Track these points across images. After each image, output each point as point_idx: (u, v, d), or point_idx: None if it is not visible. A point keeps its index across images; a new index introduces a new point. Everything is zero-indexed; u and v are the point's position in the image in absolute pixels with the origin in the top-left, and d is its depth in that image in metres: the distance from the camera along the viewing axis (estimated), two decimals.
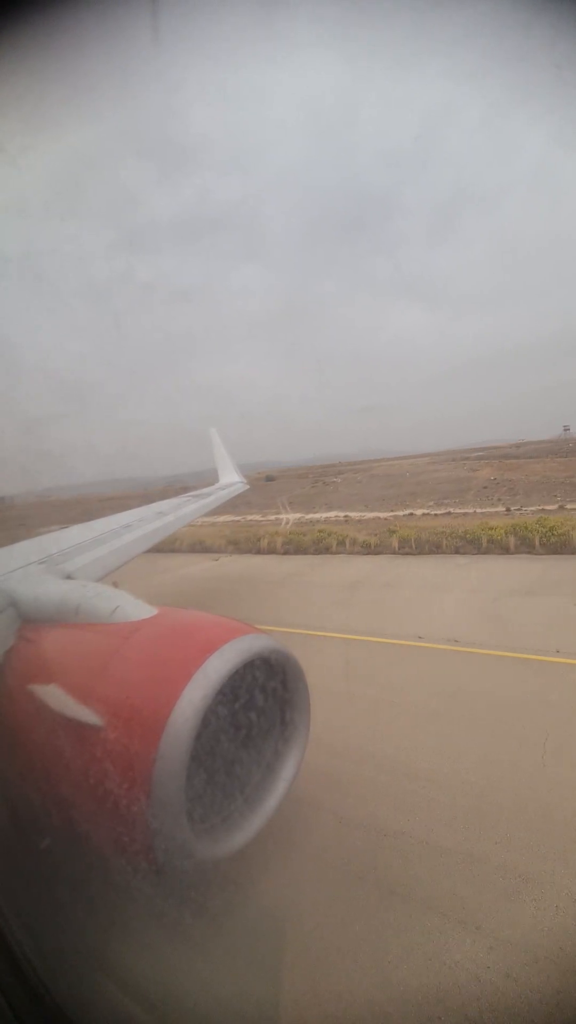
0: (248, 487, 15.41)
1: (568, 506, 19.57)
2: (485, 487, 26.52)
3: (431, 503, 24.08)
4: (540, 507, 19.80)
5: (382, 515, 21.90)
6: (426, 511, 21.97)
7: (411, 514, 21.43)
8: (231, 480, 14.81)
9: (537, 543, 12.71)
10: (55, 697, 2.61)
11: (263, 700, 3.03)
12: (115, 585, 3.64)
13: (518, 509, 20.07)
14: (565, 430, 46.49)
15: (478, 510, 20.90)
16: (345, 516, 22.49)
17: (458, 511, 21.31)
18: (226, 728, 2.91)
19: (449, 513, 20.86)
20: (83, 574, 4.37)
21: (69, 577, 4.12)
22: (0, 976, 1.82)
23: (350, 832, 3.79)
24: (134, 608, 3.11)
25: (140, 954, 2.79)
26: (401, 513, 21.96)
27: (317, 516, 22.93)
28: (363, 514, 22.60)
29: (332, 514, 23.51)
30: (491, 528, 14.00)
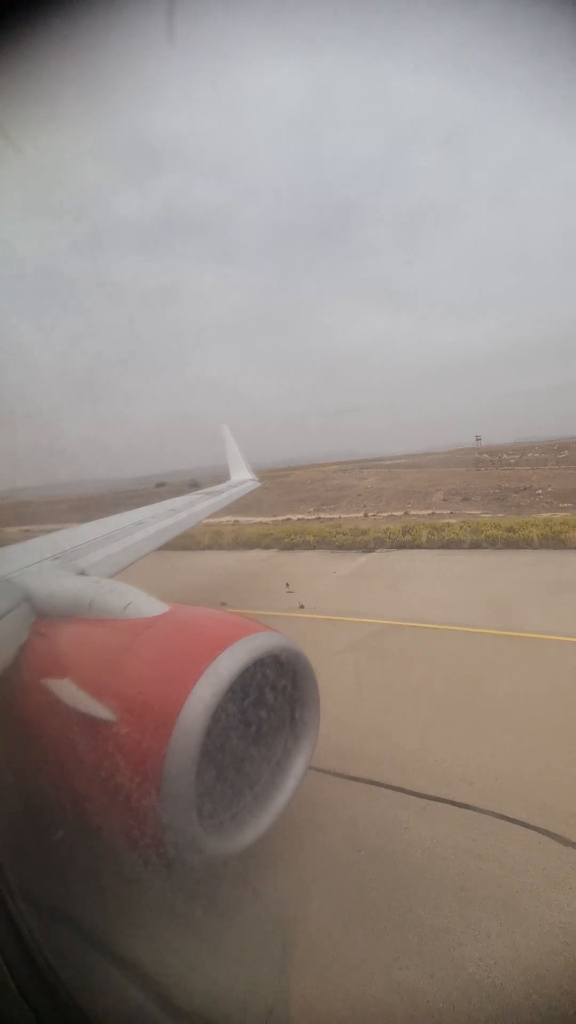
0: (260, 484, 15.39)
1: (412, 512, 21.81)
2: (360, 494, 28.50)
3: (311, 509, 25.35)
4: (390, 513, 22.08)
5: (265, 519, 23.12)
6: (302, 516, 23.23)
7: (288, 519, 22.62)
8: (243, 477, 14.79)
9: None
10: (68, 692, 2.64)
11: (273, 698, 3.04)
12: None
13: (374, 514, 22.14)
14: (477, 440, 47.24)
15: (343, 515, 22.66)
16: (235, 520, 23.59)
17: (327, 516, 22.87)
18: (236, 725, 2.92)
19: (320, 518, 22.28)
20: (96, 570, 4.42)
21: (82, 573, 4.17)
22: (13, 964, 1.85)
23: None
24: (146, 604, 3.13)
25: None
26: (280, 518, 23.28)
27: (210, 520, 24.09)
28: (251, 519, 23.76)
29: (226, 519, 24.79)
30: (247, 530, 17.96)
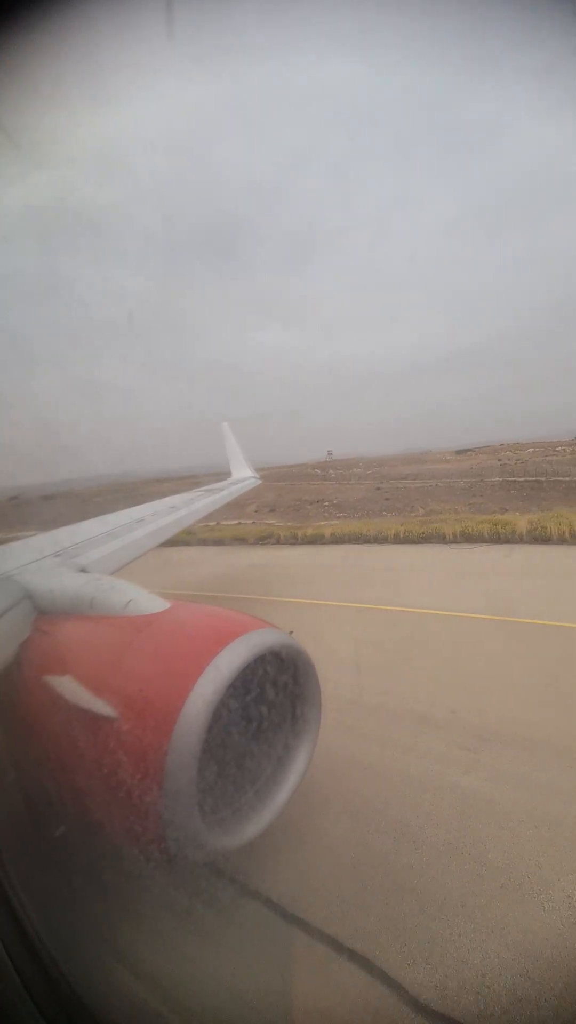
0: (260, 482, 15.42)
1: (223, 522, 24.15)
2: None
3: None
4: (205, 523, 24.68)
5: None
6: None
7: None
8: (243, 475, 14.81)
9: None
10: (70, 688, 2.65)
11: (274, 694, 3.05)
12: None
13: (192, 523, 23.53)
14: (328, 454, 48.93)
15: None
16: None
17: None
18: (237, 721, 2.93)
19: None
20: (96, 568, 4.42)
21: (83, 570, 4.17)
22: (16, 959, 1.86)
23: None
24: (147, 601, 3.13)
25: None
26: None
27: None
28: None
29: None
30: None
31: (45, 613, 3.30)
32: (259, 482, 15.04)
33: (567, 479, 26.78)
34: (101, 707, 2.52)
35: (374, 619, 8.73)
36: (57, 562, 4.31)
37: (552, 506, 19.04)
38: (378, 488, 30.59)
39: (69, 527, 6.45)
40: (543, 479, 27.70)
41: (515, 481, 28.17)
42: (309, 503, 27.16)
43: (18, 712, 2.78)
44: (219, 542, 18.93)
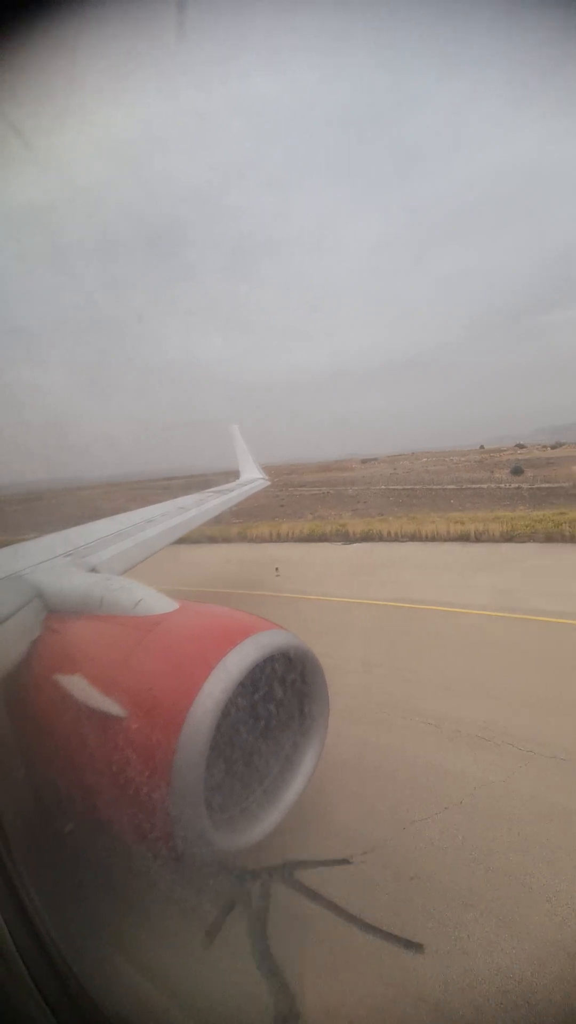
0: (269, 483, 15.44)
1: None
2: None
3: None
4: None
5: None
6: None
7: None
8: (252, 476, 14.84)
9: None
10: (79, 687, 2.67)
11: (282, 694, 3.05)
12: None
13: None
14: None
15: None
16: None
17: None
18: (245, 721, 2.94)
19: None
20: (107, 567, 4.45)
21: (93, 570, 4.20)
22: (25, 954, 1.87)
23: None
24: (156, 601, 3.16)
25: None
26: None
27: None
28: None
29: None
30: None
31: (56, 612, 3.33)
32: (268, 483, 15.06)
33: (436, 487, 29.09)
34: (110, 706, 2.54)
35: None
36: (68, 561, 4.35)
37: (406, 511, 21.37)
38: (275, 495, 32.07)
39: (80, 527, 6.52)
40: (419, 487, 30.04)
41: (394, 489, 30.10)
42: None
43: (28, 710, 2.81)
44: None
